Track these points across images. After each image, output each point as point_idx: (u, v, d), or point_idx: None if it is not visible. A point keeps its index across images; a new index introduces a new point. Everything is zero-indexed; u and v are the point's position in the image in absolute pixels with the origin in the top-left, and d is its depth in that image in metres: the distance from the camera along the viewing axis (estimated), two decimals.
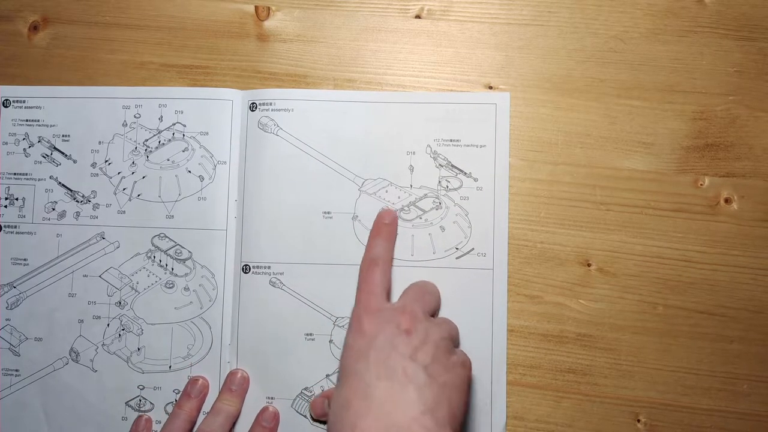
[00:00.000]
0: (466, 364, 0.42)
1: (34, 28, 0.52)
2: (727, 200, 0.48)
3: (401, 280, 0.48)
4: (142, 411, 0.49)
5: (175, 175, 0.50)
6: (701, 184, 0.49)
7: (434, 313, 0.46)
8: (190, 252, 0.49)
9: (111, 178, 0.50)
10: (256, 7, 0.51)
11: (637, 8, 0.50)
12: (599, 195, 0.49)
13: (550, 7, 0.50)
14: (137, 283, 0.49)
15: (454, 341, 0.43)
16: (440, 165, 0.49)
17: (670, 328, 0.48)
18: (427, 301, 0.45)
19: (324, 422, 0.47)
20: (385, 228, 0.47)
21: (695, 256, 0.48)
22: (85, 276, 0.50)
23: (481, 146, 0.49)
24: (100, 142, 0.50)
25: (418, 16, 0.51)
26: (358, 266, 0.48)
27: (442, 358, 0.40)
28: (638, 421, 0.48)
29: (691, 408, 0.48)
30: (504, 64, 0.50)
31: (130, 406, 0.49)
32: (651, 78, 0.49)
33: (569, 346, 0.48)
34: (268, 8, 0.51)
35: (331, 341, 0.48)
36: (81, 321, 0.49)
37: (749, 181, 0.49)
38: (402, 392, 0.38)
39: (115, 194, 0.50)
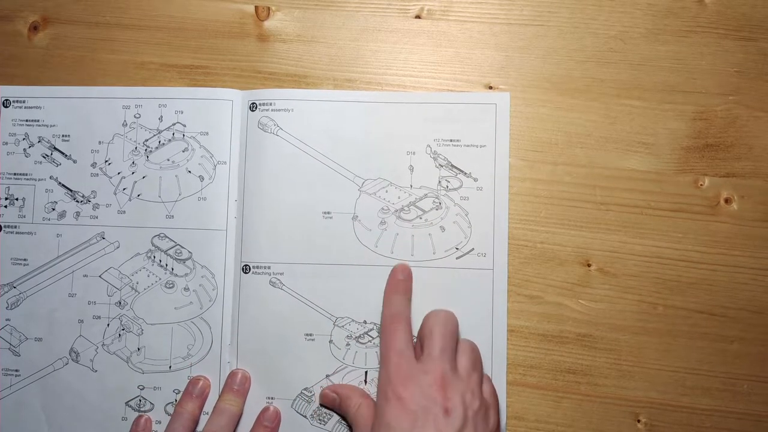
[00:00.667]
0: (497, 424, 0.43)
1: (34, 28, 0.52)
2: (727, 200, 0.48)
3: None
4: (142, 411, 0.49)
5: (175, 175, 0.50)
6: (701, 184, 0.49)
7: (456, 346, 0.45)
8: (190, 252, 0.49)
9: (111, 178, 0.50)
10: (256, 7, 0.51)
11: (637, 8, 0.50)
12: (599, 195, 0.49)
13: (550, 7, 0.50)
14: (137, 283, 0.49)
15: (481, 377, 0.44)
16: (440, 165, 0.49)
17: (670, 328, 0.48)
18: (450, 346, 0.44)
19: (328, 408, 0.48)
20: (401, 284, 0.47)
21: (695, 256, 0.48)
22: (85, 276, 0.50)
23: (481, 146, 0.49)
24: (100, 142, 0.50)
25: (418, 16, 0.51)
26: (358, 266, 0.48)
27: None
28: (638, 421, 0.48)
29: (691, 408, 0.48)
30: (504, 64, 0.50)
31: (130, 406, 0.49)
32: (651, 78, 0.49)
33: (569, 346, 0.48)
34: (268, 8, 0.51)
35: (330, 341, 0.48)
36: (81, 321, 0.49)
37: (749, 181, 0.49)
38: None
39: (115, 194, 0.50)
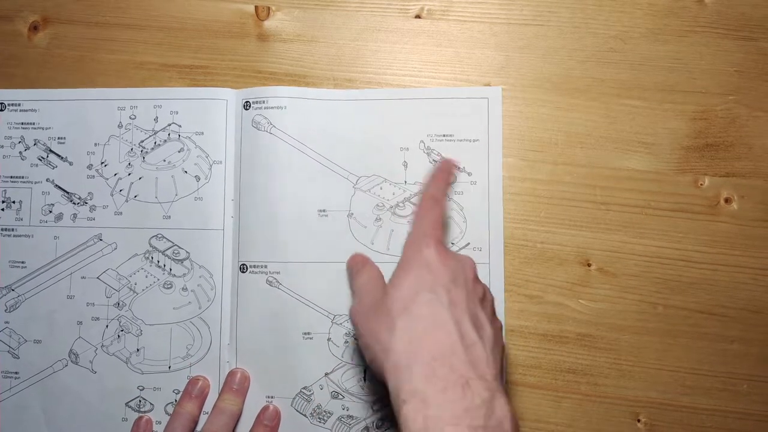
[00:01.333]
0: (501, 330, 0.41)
1: (34, 28, 0.52)
2: (727, 200, 0.48)
3: None
4: (142, 412, 0.49)
5: (172, 176, 0.50)
6: (701, 184, 0.49)
7: None
8: (187, 252, 0.49)
9: (107, 179, 0.50)
10: (256, 7, 0.51)
11: (637, 8, 0.50)
12: (599, 195, 0.49)
13: (550, 7, 0.50)
14: (135, 284, 0.49)
15: None
16: (434, 160, 0.49)
17: (670, 328, 0.48)
18: None
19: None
20: (445, 175, 0.45)
21: (695, 256, 0.48)
22: (83, 278, 0.50)
23: (474, 141, 0.49)
24: (95, 144, 0.50)
25: (418, 16, 0.51)
26: None
27: (492, 318, 0.40)
28: (638, 421, 0.48)
29: (691, 408, 0.48)
30: (504, 64, 0.50)
31: (130, 407, 0.49)
32: (651, 78, 0.49)
33: (569, 346, 0.48)
34: (268, 8, 0.51)
35: (329, 339, 0.48)
36: (80, 323, 0.49)
37: (749, 181, 0.48)
38: (480, 345, 0.36)
39: (112, 195, 0.50)
